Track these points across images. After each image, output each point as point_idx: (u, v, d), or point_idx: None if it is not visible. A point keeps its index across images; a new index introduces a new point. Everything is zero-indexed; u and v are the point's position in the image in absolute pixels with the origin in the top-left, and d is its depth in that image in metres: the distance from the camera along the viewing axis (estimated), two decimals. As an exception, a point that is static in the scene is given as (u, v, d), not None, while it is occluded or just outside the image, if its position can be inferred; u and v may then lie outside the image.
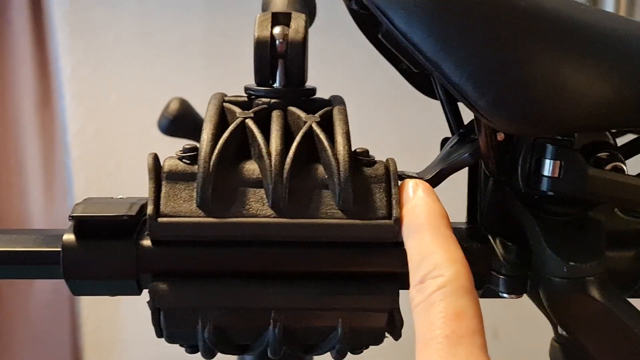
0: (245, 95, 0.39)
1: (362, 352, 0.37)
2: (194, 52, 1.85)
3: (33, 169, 1.79)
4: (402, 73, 0.42)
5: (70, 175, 1.84)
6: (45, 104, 1.82)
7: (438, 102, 0.43)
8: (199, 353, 0.37)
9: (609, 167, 0.33)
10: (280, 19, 0.39)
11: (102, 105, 1.85)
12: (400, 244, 0.35)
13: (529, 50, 0.30)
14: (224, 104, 0.38)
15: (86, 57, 1.85)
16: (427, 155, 0.49)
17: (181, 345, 0.37)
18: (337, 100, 0.38)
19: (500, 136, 0.34)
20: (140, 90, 1.84)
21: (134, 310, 1.85)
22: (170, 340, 0.36)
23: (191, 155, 0.35)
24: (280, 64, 0.38)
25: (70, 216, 0.35)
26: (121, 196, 0.38)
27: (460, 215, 0.41)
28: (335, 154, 0.34)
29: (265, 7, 0.46)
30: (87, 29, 1.83)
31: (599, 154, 0.33)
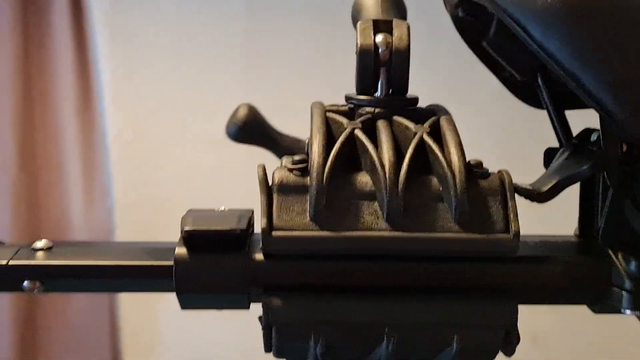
0: (346, 104, 0.39)
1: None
2: (232, 55, 1.87)
3: (73, 171, 1.83)
4: (504, 82, 0.41)
5: (109, 177, 1.86)
6: (85, 107, 1.85)
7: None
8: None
9: None
10: (382, 26, 0.38)
11: (140, 108, 1.88)
12: (519, 259, 0.34)
13: None
14: (327, 113, 0.37)
15: (125, 60, 1.87)
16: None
17: (286, 358, 0.36)
18: (441, 110, 0.38)
19: (624, 147, 0.33)
20: (178, 93, 1.87)
21: (172, 313, 1.87)
22: (279, 355, 0.35)
23: (302, 167, 0.34)
24: (383, 72, 0.37)
25: (183, 230, 0.34)
26: (223, 207, 0.37)
27: (565, 227, 0.40)
28: (450, 166, 0.33)
29: (356, 15, 0.46)
30: (126, 32, 1.86)
31: None
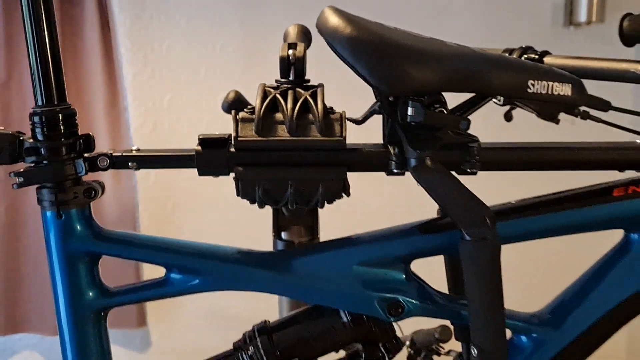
0: (276, 83, 0.82)
1: (332, 202, 0.79)
2: (233, 58, 2.27)
3: (104, 157, 2.18)
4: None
5: None
6: (112, 104, 2.23)
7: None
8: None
9: (437, 111, 0.74)
10: (293, 46, 0.81)
11: (158, 105, 2.28)
12: (349, 149, 0.76)
13: (394, 56, 0.71)
14: (265, 87, 0.80)
15: (144, 65, 2.26)
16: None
17: (247, 199, 0.79)
18: (320, 85, 0.81)
19: (391, 97, 0.75)
20: (189, 91, 2.27)
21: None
22: (243, 197, 0.78)
23: (252, 110, 0.78)
24: (292, 68, 0.81)
25: (199, 138, 0.77)
26: (217, 133, 0.80)
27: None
28: (317, 108, 0.76)
29: (285, 38, 0.89)
30: (145, 43, 2.26)
31: (435, 105, 0.75)
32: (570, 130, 1.01)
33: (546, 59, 0.99)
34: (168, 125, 2.27)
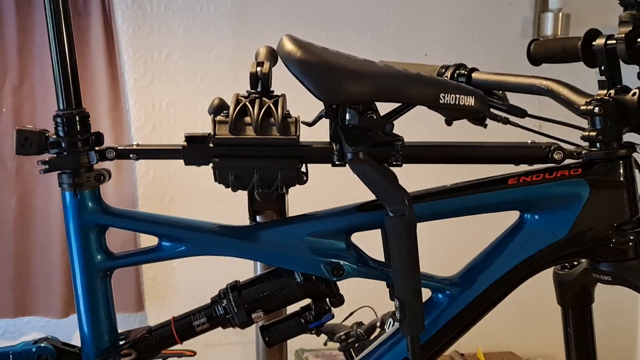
0: (247, 93, 1.04)
1: (290, 187, 1.01)
2: (226, 66, 2.51)
3: (107, 155, 2.40)
4: None
5: (134, 161, 2.47)
6: (115, 107, 2.47)
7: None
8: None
9: (369, 116, 0.96)
10: (260, 64, 1.04)
11: (157, 108, 2.51)
12: (302, 146, 0.99)
13: (333, 75, 0.93)
14: (238, 97, 1.03)
15: (145, 72, 2.50)
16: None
17: (222, 184, 1.01)
18: (282, 95, 1.03)
19: (334, 105, 0.98)
20: (185, 95, 2.51)
21: (183, 263, 2.50)
22: (219, 182, 1.00)
23: (227, 114, 1.00)
24: (260, 81, 1.03)
25: (185, 136, 1.00)
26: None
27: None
28: (277, 113, 0.99)
29: (256, 57, 1.12)
30: (146, 51, 2.50)
31: (368, 112, 0.97)
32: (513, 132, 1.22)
33: (474, 75, 1.22)
34: (166, 127, 2.50)
